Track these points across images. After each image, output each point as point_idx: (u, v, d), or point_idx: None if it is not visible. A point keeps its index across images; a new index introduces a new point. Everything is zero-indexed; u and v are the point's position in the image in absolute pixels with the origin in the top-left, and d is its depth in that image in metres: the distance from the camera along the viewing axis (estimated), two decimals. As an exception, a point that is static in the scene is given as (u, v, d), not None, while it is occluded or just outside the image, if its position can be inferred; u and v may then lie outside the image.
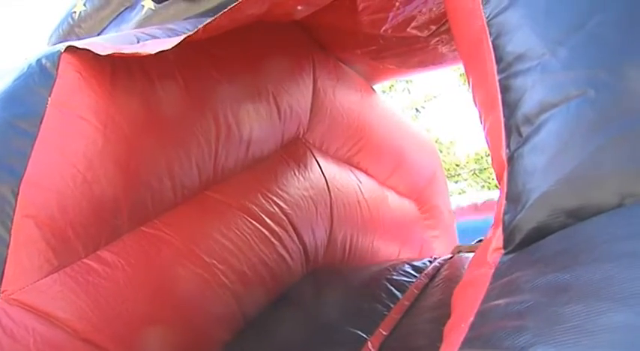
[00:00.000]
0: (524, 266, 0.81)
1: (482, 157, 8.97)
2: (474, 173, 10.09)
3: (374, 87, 3.41)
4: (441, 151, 10.63)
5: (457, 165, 10.63)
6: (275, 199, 2.24)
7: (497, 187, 1.06)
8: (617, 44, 0.85)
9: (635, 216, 0.74)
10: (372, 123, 3.09)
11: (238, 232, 2.02)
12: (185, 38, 1.51)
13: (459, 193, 9.71)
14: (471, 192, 9.59)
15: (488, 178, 9.52)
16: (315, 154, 2.64)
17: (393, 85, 9.44)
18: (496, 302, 0.77)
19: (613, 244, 0.70)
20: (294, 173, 2.43)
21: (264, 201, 2.19)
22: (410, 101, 10.32)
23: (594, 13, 0.88)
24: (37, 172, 1.44)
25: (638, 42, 0.84)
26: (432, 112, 10.56)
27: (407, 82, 9.51)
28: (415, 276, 2.35)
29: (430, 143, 4.03)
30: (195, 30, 1.52)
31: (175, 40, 1.52)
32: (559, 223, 0.83)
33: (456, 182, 10.55)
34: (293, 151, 2.51)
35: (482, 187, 9.94)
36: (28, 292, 1.39)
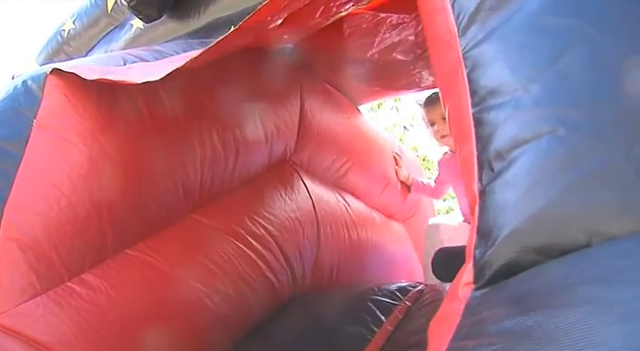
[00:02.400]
0: (492, 305, 0.81)
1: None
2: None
3: (360, 107, 3.44)
4: (428, 169, 10.63)
5: (444, 183, 10.57)
6: (262, 221, 2.24)
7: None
8: (587, 83, 0.85)
9: (601, 258, 0.74)
10: (359, 144, 3.12)
11: (224, 255, 2.02)
12: (172, 71, 1.52)
13: (447, 212, 9.68)
14: (459, 210, 9.53)
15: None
16: (303, 176, 2.64)
17: (381, 104, 9.45)
18: (463, 343, 0.77)
19: (578, 288, 0.70)
20: (281, 195, 2.43)
21: (250, 223, 2.19)
22: (398, 119, 10.33)
23: (565, 51, 0.88)
24: (21, 195, 1.44)
25: (607, 82, 0.84)
26: (419, 131, 10.57)
27: (395, 100, 9.51)
28: (400, 298, 2.34)
29: (416, 163, 4.10)
30: (182, 64, 1.53)
31: (162, 72, 1.52)
32: (529, 261, 0.83)
33: (444, 200, 10.52)
34: (280, 172, 2.52)
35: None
36: (10, 316, 1.39)
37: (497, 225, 0.86)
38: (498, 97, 0.93)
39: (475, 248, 0.90)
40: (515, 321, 0.72)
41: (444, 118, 2.76)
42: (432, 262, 2.50)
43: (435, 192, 3.55)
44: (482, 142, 0.93)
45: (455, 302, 0.91)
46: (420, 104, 2.99)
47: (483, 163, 0.92)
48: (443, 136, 2.82)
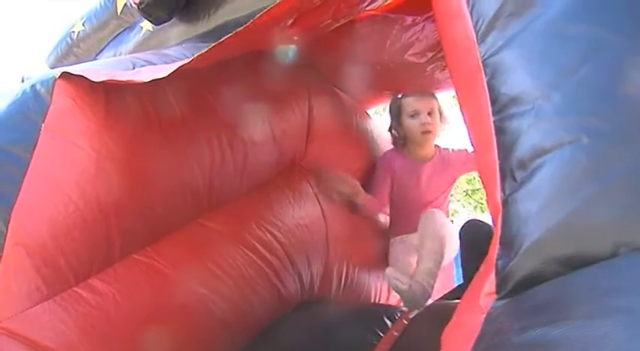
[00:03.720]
0: (515, 316, 0.80)
1: (474, 178, 8.98)
2: (467, 194, 10.10)
3: (368, 111, 3.42)
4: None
5: (450, 186, 10.60)
6: (269, 227, 2.23)
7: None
8: (609, 92, 0.84)
9: (629, 268, 0.73)
10: (368, 149, 3.08)
11: (231, 261, 2.00)
12: (179, 67, 1.51)
13: (452, 214, 9.71)
14: (464, 213, 9.59)
15: (481, 199, 9.51)
16: (311, 181, 2.63)
17: (386, 107, 9.48)
18: (486, 354, 0.76)
19: (606, 299, 0.69)
20: (290, 201, 2.41)
21: (257, 229, 2.18)
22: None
23: (587, 58, 0.87)
24: (29, 199, 1.43)
25: (631, 89, 0.83)
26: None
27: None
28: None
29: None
30: (190, 59, 1.52)
31: (169, 69, 1.52)
32: (552, 272, 0.81)
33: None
34: (288, 177, 2.50)
35: (475, 208, 9.94)
36: (16, 321, 1.38)
37: (520, 235, 0.85)
38: (520, 105, 0.92)
39: (498, 258, 0.89)
40: (540, 332, 0.71)
41: (431, 113, 2.71)
42: (461, 233, 2.55)
43: (380, 202, 2.92)
44: (504, 150, 0.92)
45: (475, 311, 0.90)
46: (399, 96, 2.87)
47: (506, 173, 0.91)
48: (425, 132, 2.74)
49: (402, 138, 2.85)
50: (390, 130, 2.92)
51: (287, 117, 2.42)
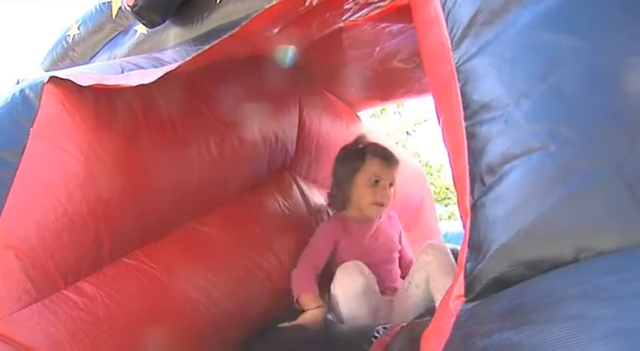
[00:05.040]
0: (481, 320, 0.82)
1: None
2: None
3: (361, 113, 3.44)
4: (431, 175, 10.71)
5: (447, 188, 10.69)
6: (259, 230, 2.24)
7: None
8: (578, 99, 0.86)
9: (588, 274, 0.75)
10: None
11: (222, 264, 2.02)
12: (166, 72, 1.53)
13: (449, 217, 9.73)
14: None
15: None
16: (301, 185, 2.64)
17: (384, 109, 9.50)
18: (452, 357, 0.78)
19: (564, 304, 0.70)
20: (279, 204, 2.43)
21: (249, 232, 2.19)
22: (401, 124, 10.40)
23: (557, 67, 0.89)
24: (17, 204, 1.44)
25: (598, 98, 0.85)
26: (422, 136, 10.66)
27: (398, 105, 9.57)
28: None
29: (418, 169, 4.01)
30: (176, 65, 1.54)
31: (156, 74, 1.54)
32: (518, 275, 0.83)
33: (446, 206, 10.59)
34: (279, 181, 2.52)
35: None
36: (5, 323, 1.39)
37: (488, 239, 0.87)
38: (490, 111, 0.94)
39: (466, 261, 0.91)
40: (504, 336, 0.73)
41: (392, 184, 2.32)
42: None
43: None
44: (474, 155, 0.94)
45: (446, 315, 0.92)
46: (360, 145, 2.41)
47: (475, 177, 0.93)
48: (379, 204, 2.32)
49: (341, 199, 2.39)
50: (331, 188, 2.46)
51: (277, 120, 2.44)
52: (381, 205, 2.32)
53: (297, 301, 2.15)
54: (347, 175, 2.34)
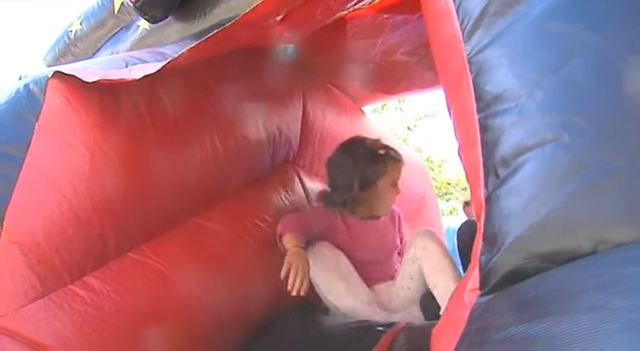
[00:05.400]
0: (497, 312, 0.81)
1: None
2: (466, 191, 10.12)
3: (364, 108, 3.42)
4: (432, 170, 10.72)
5: (449, 183, 10.72)
6: (263, 225, 2.23)
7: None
8: (591, 90, 0.85)
9: (607, 265, 0.74)
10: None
11: (226, 258, 2.01)
12: (169, 62, 1.52)
13: (451, 212, 9.75)
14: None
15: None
16: (304, 179, 2.64)
17: (385, 104, 9.50)
18: (468, 350, 0.77)
19: (583, 296, 0.70)
20: (282, 199, 2.43)
21: (253, 227, 2.19)
22: (402, 120, 10.40)
23: (569, 57, 0.88)
24: (23, 199, 1.43)
25: (610, 88, 0.84)
26: (423, 131, 10.66)
27: (399, 101, 9.58)
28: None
29: (420, 164, 4.00)
30: (179, 54, 1.53)
31: (160, 64, 1.53)
32: (534, 268, 0.83)
33: (448, 200, 10.62)
34: (282, 175, 2.52)
35: (475, 206, 9.93)
36: (12, 319, 1.38)
37: (503, 232, 0.86)
38: (503, 103, 0.93)
39: (481, 254, 0.90)
40: (521, 328, 0.72)
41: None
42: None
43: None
44: (488, 148, 0.93)
45: (460, 308, 0.91)
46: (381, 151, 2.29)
47: (489, 170, 0.92)
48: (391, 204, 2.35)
49: (351, 201, 2.28)
50: (336, 188, 2.31)
51: (281, 114, 2.43)
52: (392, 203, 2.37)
53: (279, 238, 2.14)
54: (367, 180, 2.24)
